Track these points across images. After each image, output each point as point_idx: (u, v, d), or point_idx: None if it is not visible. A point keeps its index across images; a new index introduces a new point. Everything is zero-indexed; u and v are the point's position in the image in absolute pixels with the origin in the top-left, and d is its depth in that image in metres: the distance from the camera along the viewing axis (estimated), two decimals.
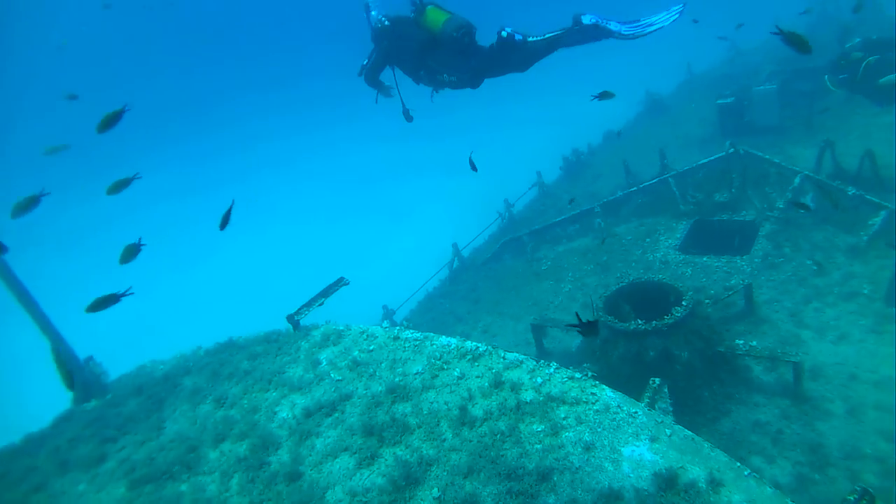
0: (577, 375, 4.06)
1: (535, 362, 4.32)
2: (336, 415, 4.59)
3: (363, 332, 5.52)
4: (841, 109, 13.06)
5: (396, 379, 4.75)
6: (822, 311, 7.80)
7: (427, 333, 5.18)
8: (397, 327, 5.48)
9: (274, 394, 5.04)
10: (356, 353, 5.25)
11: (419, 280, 12.61)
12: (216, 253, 30.02)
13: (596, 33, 6.11)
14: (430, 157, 32.33)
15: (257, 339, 5.86)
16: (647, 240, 10.95)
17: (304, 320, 5.86)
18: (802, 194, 9.91)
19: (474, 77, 6.52)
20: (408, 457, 3.93)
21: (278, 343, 5.65)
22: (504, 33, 6.26)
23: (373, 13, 7.06)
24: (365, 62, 7.23)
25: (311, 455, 4.17)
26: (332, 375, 5.05)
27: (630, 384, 6.94)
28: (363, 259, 22.96)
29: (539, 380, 4.15)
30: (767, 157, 10.62)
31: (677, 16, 5.92)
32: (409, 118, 7.54)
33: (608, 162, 16.07)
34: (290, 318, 5.75)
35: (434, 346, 4.93)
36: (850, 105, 12.68)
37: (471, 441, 3.88)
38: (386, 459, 3.99)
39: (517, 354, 4.48)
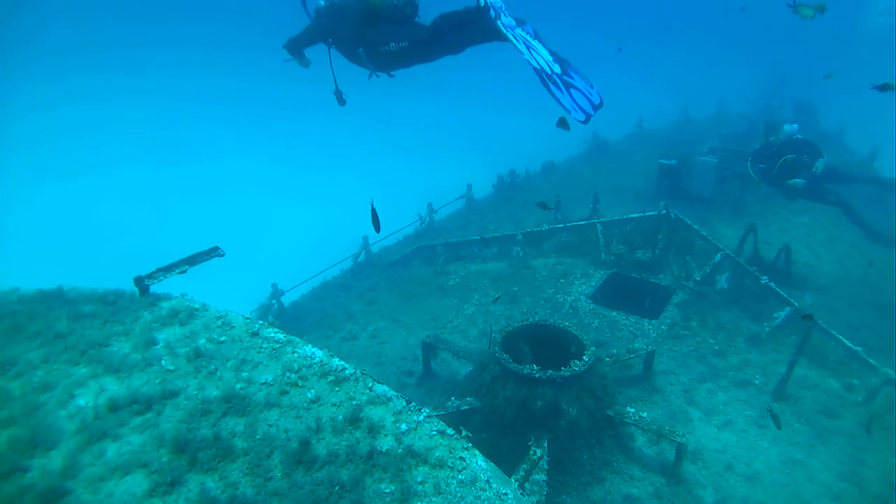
0: (450, 432, 3.36)
1: (404, 403, 3.58)
2: (149, 415, 3.63)
3: (220, 318, 4.56)
4: (767, 199, 13.37)
5: (238, 386, 3.86)
6: (714, 394, 7.60)
7: (292, 338, 4.32)
8: (260, 322, 4.57)
9: (83, 370, 4.00)
10: (203, 340, 4.30)
11: (320, 265, 11.63)
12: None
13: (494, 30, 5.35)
14: (365, 139, 31.07)
15: (91, 295, 4.74)
16: (562, 280, 10.57)
17: (158, 287, 4.83)
18: (720, 272, 9.85)
19: (428, 44, 5.88)
20: (218, 492, 3.08)
21: (114, 308, 4.56)
22: None
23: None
24: (294, 34, 6.81)
25: (93, 466, 3.20)
26: (163, 363, 4.08)
27: (510, 429, 6.40)
28: (267, 232, 21.35)
29: (404, 426, 3.42)
30: (696, 227, 10.53)
31: (583, 115, 5.10)
32: (341, 101, 7.03)
33: (541, 192, 15.75)
34: (137, 281, 4.66)
35: (295, 356, 4.08)
36: (775, 197, 12.97)
37: (302, 488, 3.08)
38: (189, 490, 3.11)
39: (387, 389, 3.72)
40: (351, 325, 9.86)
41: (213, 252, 4.95)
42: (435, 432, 3.35)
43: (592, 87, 5.16)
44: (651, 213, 10.89)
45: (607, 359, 7.56)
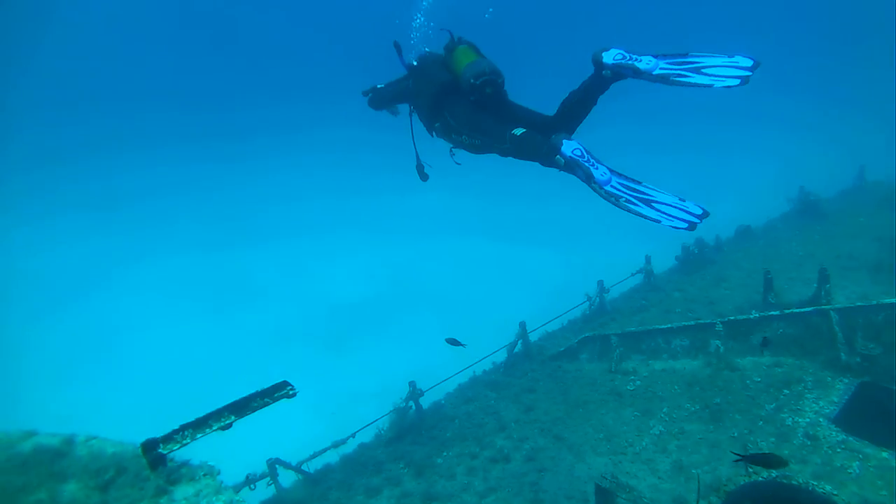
0: None
1: None
2: None
3: None
4: None
5: None
6: None
7: None
8: None
9: None
10: None
11: (469, 356, 9.98)
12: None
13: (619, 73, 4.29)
14: (524, 209, 29.18)
15: (89, 464, 3.24)
16: (786, 392, 7.81)
17: (189, 451, 3.39)
18: None
19: (505, 142, 4.47)
20: None
21: (102, 497, 3.10)
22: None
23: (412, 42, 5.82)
24: (380, 85, 5.80)
25: None
26: None
27: None
28: (412, 317, 19.73)
29: None
30: None
31: (736, 79, 3.98)
32: (423, 176, 5.85)
33: (738, 265, 12.89)
34: (147, 447, 3.18)
35: None
36: None
37: None
38: None
39: None
40: (503, 441, 8.01)
41: (279, 392, 3.44)
42: None
43: (684, 201, 3.84)
44: None
45: None
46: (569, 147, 4.02)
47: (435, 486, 7.37)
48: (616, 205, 3.88)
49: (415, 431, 8.53)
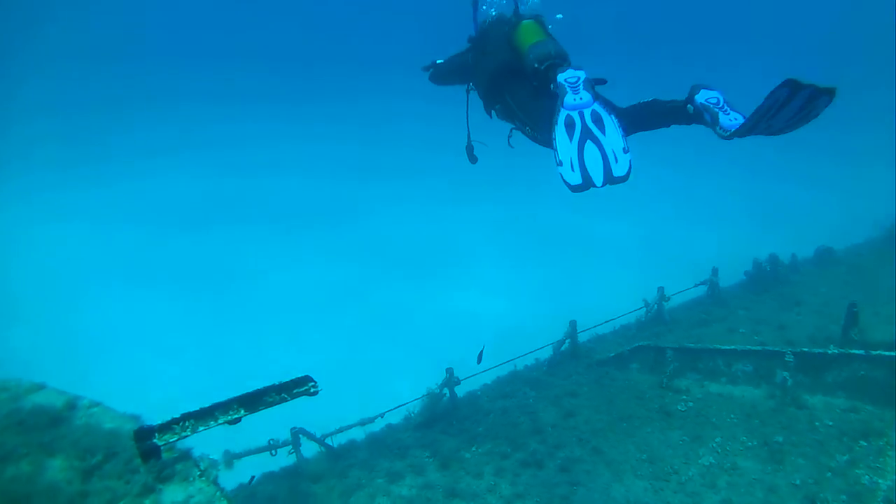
0: None
1: None
2: None
3: None
4: None
5: None
6: None
7: None
8: None
9: None
10: None
11: (514, 349, 9.48)
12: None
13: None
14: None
15: (79, 439, 2.84)
16: (862, 443, 6.99)
17: (194, 443, 2.97)
18: None
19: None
20: None
21: (83, 488, 2.69)
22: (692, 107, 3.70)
23: (483, 7, 5.11)
24: (440, 61, 5.50)
25: None
26: None
27: None
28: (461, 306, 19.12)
29: None
30: None
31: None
32: (472, 158, 5.46)
33: (815, 289, 11.84)
34: (140, 435, 2.73)
35: None
36: None
37: None
38: None
39: None
40: (537, 444, 7.51)
41: (299, 388, 2.97)
42: None
43: (625, 153, 3.52)
44: None
45: None
46: (569, 74, 3.72)
47: (460, 483, 6.97)
48: (552, 122, 3.64)
49: (446, 420, 8.14)
